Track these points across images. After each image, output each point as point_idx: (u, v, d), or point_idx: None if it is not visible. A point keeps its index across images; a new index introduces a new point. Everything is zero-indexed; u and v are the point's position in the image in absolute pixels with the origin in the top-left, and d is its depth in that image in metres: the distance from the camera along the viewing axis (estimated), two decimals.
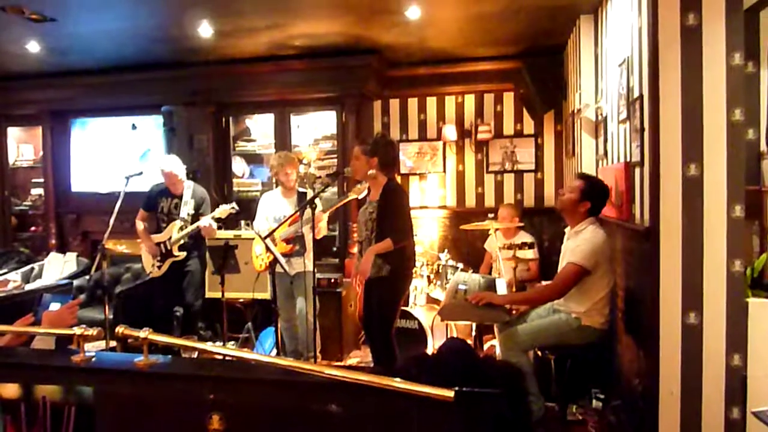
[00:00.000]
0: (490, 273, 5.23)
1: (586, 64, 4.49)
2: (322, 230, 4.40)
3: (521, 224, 5.26)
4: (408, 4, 4.16)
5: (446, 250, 5.35)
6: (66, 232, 6.53)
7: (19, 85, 6.23)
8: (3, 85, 6.25)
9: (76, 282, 5.63)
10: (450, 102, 6.18)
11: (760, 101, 3.14)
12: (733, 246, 2.55)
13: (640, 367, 3.03)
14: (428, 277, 5.22)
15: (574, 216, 3.34)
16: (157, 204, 4.86)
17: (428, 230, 6.17)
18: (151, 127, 6.04)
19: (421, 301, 5.17)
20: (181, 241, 4.72)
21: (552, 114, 5.81)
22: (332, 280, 5.15)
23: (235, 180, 6.04)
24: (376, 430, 1.44)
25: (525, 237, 5.18)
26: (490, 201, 6.10)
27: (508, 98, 6.04)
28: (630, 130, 3.23)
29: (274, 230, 3.97)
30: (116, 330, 1.62)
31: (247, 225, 5.51)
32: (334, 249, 5.68)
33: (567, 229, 3.50)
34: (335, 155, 5.75)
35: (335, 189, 5.63)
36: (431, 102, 6.24)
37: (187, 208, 4.76)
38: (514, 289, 4.38)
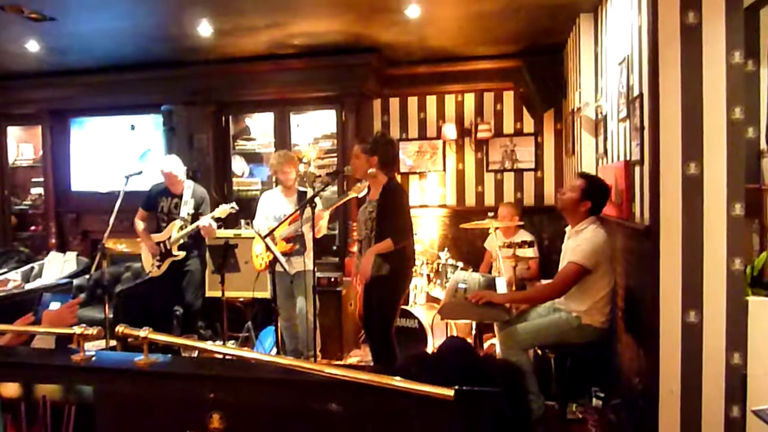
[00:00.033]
0: (490, 272, 5.23)
1: (586, 62, 4.49)
2: (323, 229, 4.39)
3: (521, 223, 5.26)
4: (408, 3, 4.15)
5: (446, 249, 5.35)
6: (66, 231, 6.53)
7: (19, 85, 6.23)
8: (2, 85, 6.25)
9: (76, 281, 5.64)
10: (450, 101, 6.18)
11: (760, 100, 3.14)
12: (733, 244, 2.55)
13: (640, 365, 3.03)
14: (428, 275, 5.22)
15: (575, 215, 3.34)
16: (157, 204, 4.86)
17: (428, 229, 6.17)
18: (151, 126, 6.04)
19: (421, 300, 5.17)
20: (181, 241, 4.72)
21: (552, 113, 5.80)
22: (332, 279, 5.15)
23: (234, 179, 6.04)
24: (376, 429, 1.44)
25: (525, 236, 5.18)
26: (489, 200, 6.09)
27: (508, 97, 6.03)
28: (630, 129, 3.23)
29: (274, 229, 3.96)
30: (116, 329, 1.61)
31: (247, 224, 5.51)
32: (334, 248, 5.68)
33: (567, 229, 3.50)
34: (335, 154, 5.75)
35: (335, 188, 5.63)
36: (431, 101, 6.23)
37: (187, 208, 4.76)
38: (513, 288, 4.38)
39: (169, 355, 2.05)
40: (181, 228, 4.70)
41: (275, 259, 3.90)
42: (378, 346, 3.84)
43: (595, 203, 3.28)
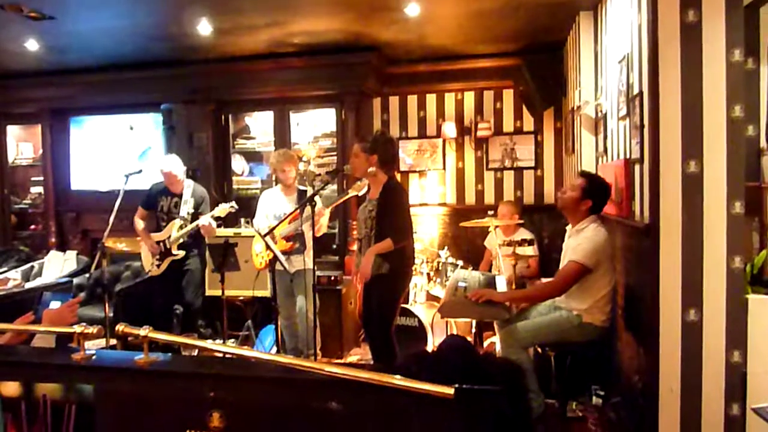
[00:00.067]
0: (489, 270, 5.23)
1: (586, 61, 4.49)
2: (323, 227, 4.39)
3: (521, 221, 5.26)
4: (407, 1, 4.15)
5: (446, 248, 5.35)
6: (66, 230, 6.52)
7: (19, 84, 6.22)
8: (2, 84, 6.24)
9: (76, 280, 5.64)
10: (450, 99, 6.18)
11: (760, 98, 3.14)
12: (733, 243, 2.55)
13: (640, 363, 3.03)
14: (428, 274, 5.22)
15: (576, 214, 3.34)
16: (156, 203, 4.87)
17: (428, 227, 6.17)
18: (151, 125, 6.04)
19: (421, 298, 5.17)
20: (180, 240, 4.72)
21: (552, 111, 5.80)
22: (332, 278, 5.16)
23: (234, 178, 6.04)
24: (376, 428, 1.44)
25: (525, 234, 5.18)
26: (489, 198, 6.09)
27: (508, 95, 6.03)
28: (630, 127, 3.22)
29: (273, 228, 3.96)
30: (116, 328, 1.61)
31: (247, 223, 5.51)
32: (334, 246, 5.68)
33: (568, 227, 3.49)
34: (335, 153, 5.75)
35: (335, 186, 5.63)
36: (431, 99, 6.23)
37: (186, 207, 4.76)
38: (513, 286, 4.38)
39: (170, 354, 2.05)
40: (181, 227, 4.70)
41: (275, 258, 3.90)
42: (378, 344, 3.85)
43: (595, 202, 3.28)
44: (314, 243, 4.31)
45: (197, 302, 4.91)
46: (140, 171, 4.69)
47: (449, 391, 1.29)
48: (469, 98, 6.12)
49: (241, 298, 5.09)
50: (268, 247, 3.88)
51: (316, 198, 4.03)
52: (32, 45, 5.04)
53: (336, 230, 5.65)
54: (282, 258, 4.04)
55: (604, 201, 3.33)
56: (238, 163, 6.16)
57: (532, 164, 5.99)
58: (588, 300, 3.21)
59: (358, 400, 1.43)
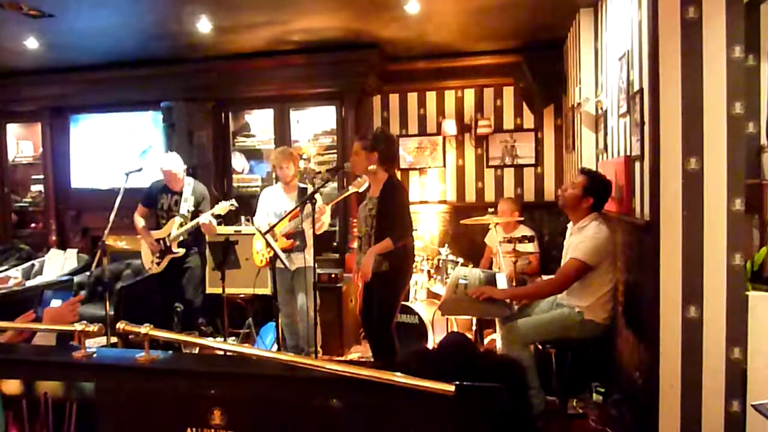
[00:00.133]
0: (490, 267, 5.24)
1: (586, 58, 4.48)
2: (325, 225, 4.39)
3: (521, 218, 5.27)
4: None
5: (446, 245, 5.36)
6: (66, 228, 6.52)
7: (18, 82, 6.22)
8: (2, 82, 6.24)
9: (76, 278, 5.65)
10: (450, 96, 6.17)
11: (761, 94, 3.13)
12: (734, 239, 2.55)
13: (641, 360, 3.03)
14: (428, 272, 5.22)
15: (577, 212, 3.33)
16: (157, 200, 4.87)
17: (428, 225, 6.17)
18: (150, 123, 6.04)
19: (422, 295, 5.18)
20: (181, 238, 4.72)
21: (552, 108, 5.80)
22: (333, 276, 5.16)
23: (234, 176, 6.03)
24: (376, 425, 1.44)
25: (525, 231, 5.18)
26: (490, 195, 6.09)
27: (508, 92, 6.03)
28: (630, 124, 3.22)
29: (274, 226, 3.97)
30: (117, 326, 1.61)
31: (248, 221, 5.51)
32: (335, 244, 5.68)
33: (569, 225, 3.49)
34: (335, 150, 5.75)
35: (335, 184, 5.63)
36: (431, 97, 6.22)
37: (186, 205, 4.76)
38: (514, 283, 4.38)
39: (170, 352, 2.05)
40: (181, 225, 4.70)
41: (275, 256, 3.91)
42: (378, 342, 3.85)
43: (597, 199, 3.28)
44: (315, 240, 4.31)
45: (198, 300, 4.91)
46: (140, 169, 4.69)
47: (450, 388, 1.29)
48: (470, 95, 6.12)
49: (242, 295, 5.09)
50: (268, 244, 3.88)
51: (317, 195, 4.03)
52: (32, 43, 5.04)
53: (336, 228, 5.65)
54: (282, 256, 4.04)
55: (606, 198, 3.33)
56: (238, 161, 6.16)
57: (533, 161, 5.98)
58: (590, 297, 3.21)
59: (359, 398, 1.43)
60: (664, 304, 2.63)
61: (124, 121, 6.20)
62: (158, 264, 4.78)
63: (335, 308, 5.11)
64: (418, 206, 6.11)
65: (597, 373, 3.71)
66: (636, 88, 3.08)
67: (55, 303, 2.67)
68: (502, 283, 3.81)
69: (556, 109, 5.82)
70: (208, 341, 2.16)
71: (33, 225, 6.87)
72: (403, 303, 4.32)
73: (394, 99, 6.30)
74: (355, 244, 4.59)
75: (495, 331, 4.26)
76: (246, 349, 2.07)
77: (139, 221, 4.86)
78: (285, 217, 4.05)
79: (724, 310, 2.57)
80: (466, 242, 5.94)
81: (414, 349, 3.81)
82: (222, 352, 1.81)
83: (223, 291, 4.31)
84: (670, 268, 2.62)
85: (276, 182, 4.76)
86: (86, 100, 6.23)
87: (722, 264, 2.56)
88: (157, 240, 4.77)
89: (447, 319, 4.70)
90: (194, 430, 1.50)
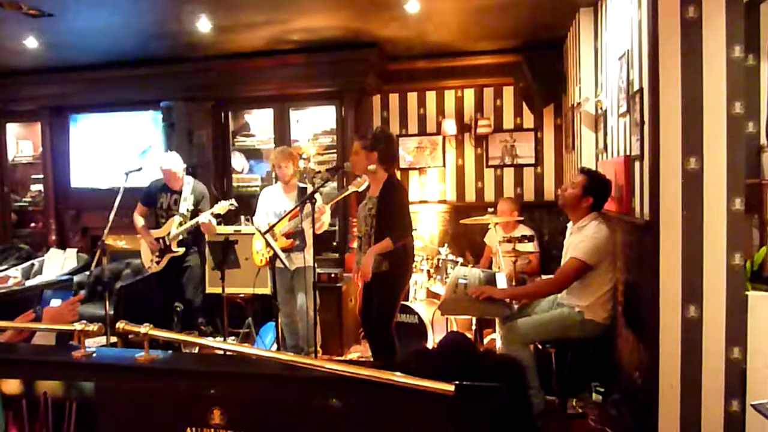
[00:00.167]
0: (490, 267, 5.24)
1: (586, 57, 4.48)
2: (325, 224, 4.39)
3: (521, 218, 5.26)
4: None
5: (446, 245, 5.35)
6: (66, 228, 6.52)
7: (18, 81, 6.21)
8: (1, 82, 6.23)
9: (76, 278, 5.64)
10: (449, 96, 6.17)
11: (760, 94, 3.13)
12: (733, 239, 2.55)
13: (640, 360, 3.03)
14: (428, 271, 5.22)
15: (577, 211, 3.33)
16: (156, 200, 4.87)
17: (428, 225, 6.17)
18: (150, 122, 6.03)
19: (421, 295, 5.18)
20: (180, 237, 4.72)
21: (552, 108, 5.80)
22: (332, 275, 5.16)
23: (234, 175, 6.03)
24: (376, 425, 1.44)
25: (524, 231, 5.18)
26: (489, 195, 6.09)
27: (508, 92, 6.03)
28: (630, 124, 3.22)
29: (273, 225, 3.96)
30: (117, 326, 1.61)
31: (247, 220, 5.51)
32: (334, 244, 5.68)
33: (569, 224, 3.49)
34: (335, 150, 5.74)
35: (335, 184, 5.63)
36: (431, 96, 6.22)
37: (186, 204, 4.76)
38: (514, 283, 4.38)
39: (170, 352, 2.05)
40: (180, 224, 4.70)
41: (275, 255, 3.90)
42: (377, 342, 3.85)
43: (597, 199, 3.28)
44: (314, 240, 4.31)
45: (197, 300, 4.91)
46: (140, 169, 4.70)
47: (450, 387, 1.29)
48: (469, 95, 6.12)
49: (242, 295, 5.09)
50: (268, 244, 3.88)
51: (317, 195, 4.03)
52: (31, 42, 5.03)
53: (336, 227, 5.65)
54: (282, 255, 4.04)
55: (605, 198, 3.33)
56: (237, 161, 6.16)
57: (532, 161, 5.98)
58: (590, 297, 3.21)
59: (359, 397, 1.43)
60: (663, 303, 2.64)
61: (123, 120, 6.20)
62: (158, 263, 4.78)
63: (335, 308, 5.11)
64: (417, 206, 6.11)
65: (597, 373, 3.71)
66: (636, 87, 3.08)
67: (55, 302, 2.66)
68: (501, 282, 3.81)
69: (555, 108, 5.82)
70: (208, 341, 2.16)
71: (33, 224, 6.87)
72: (402, 303, 4.32)
73: (393, 98, 6.30)
74: (354, 244, 4.59)
75: (495, 331, 4.25)
76: (246, 348, 2.07)
77: (139, 220, 4.86)
78: (285, 216, 4.05)
79: (723, 310, 2.57)
80: (466, 242, 5.94)
81: (414, 349, 3.80)
82: (222, 352, 1.81)
83: (223, 291, 4.30)
84: (669, 268, 2.62)
85: (276, 182, 4.76)
86: (86, 100, 6.23)
87: (722, 264, 2.56)
88: (157, 239, 4.77)
89: (447, 318, 4.70)
90: (194, 429, 1.50)
